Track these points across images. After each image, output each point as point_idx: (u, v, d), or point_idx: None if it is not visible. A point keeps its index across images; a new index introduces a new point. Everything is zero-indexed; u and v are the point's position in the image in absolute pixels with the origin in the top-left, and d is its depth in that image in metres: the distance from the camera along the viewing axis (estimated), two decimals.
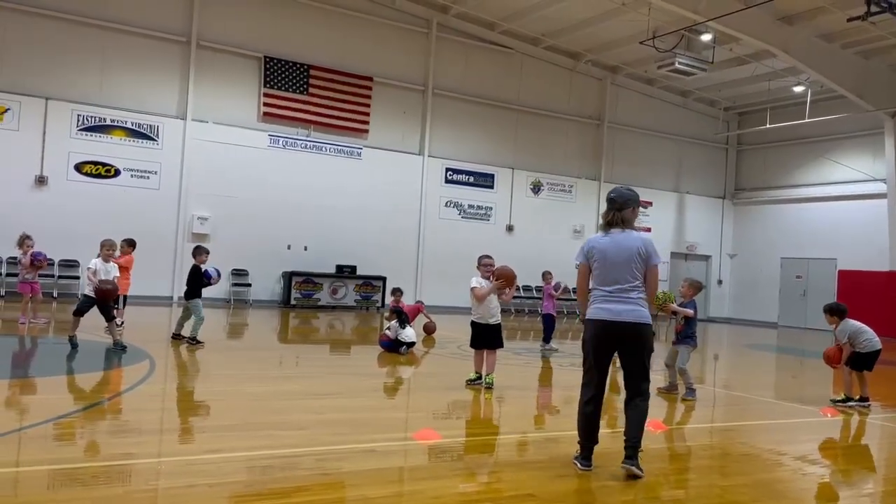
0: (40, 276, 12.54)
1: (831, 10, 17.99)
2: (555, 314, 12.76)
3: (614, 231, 5.00)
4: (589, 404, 4.97)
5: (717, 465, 5.68)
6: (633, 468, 4.79)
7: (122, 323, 11.09)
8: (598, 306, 4.97)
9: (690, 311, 8.36)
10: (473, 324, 8.17)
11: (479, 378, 8.10)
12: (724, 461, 5.79)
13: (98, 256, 9.44)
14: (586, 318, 5.07)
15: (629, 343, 4.92)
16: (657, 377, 9.30)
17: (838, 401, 8.41)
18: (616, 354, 5.06)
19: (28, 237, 11.92)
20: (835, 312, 8.53)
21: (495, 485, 4.62)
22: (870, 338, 8.41)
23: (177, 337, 10.55)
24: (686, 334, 8.44)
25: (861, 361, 8.41)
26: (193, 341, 10.29)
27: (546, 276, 12.97)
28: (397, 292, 13.72)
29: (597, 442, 5.00)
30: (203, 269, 10.66)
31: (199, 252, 10.73)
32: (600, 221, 5.18)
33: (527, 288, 22.59)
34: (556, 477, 4.86)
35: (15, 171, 17.24)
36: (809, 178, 25.68)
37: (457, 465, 5.13)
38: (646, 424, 4.94)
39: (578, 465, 4.97)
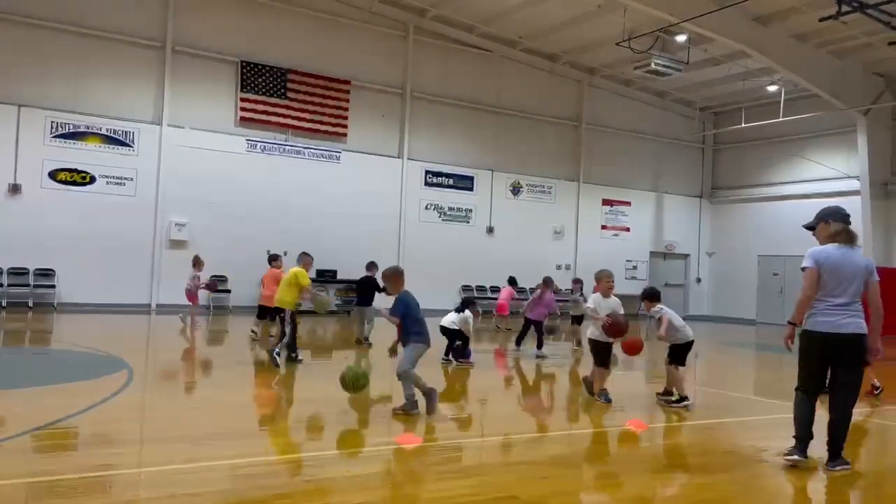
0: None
1: (804, 10, 18.21)
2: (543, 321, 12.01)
3: (843, 246, 5.35)
4: (805, 403, 5.34)
5: (699, 462, 5.71)
6: (838, 468, 5.28)
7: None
8: (821, 319, 5.25)
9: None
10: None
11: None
12: (705, 458, 5.83)
13: (595, 292, 7.91)
14: (807, 328, 5.32)
15: (847, 354, 5.21)
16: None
17: (673, 401, 7.72)
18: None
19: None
20: (655, 297, 7.99)
21: (479, 487, 4.62)
22: (685, 326, 7.87)
23: (363, 342, 12.15)
24: (408, 335, 6.75)
25: (679, 354, 7.82)
26: (366, 342, 12.04)
27: (549, 282, 12.34)
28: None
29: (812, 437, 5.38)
30: None
31: (372, 267, 12.91)
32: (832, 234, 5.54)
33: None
34: (540, 478, 4.87)
35: None
36: (784, 177, 25.97)
37: (440, 468, 5.13)
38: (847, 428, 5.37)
39: (797, 456, 5.30)
